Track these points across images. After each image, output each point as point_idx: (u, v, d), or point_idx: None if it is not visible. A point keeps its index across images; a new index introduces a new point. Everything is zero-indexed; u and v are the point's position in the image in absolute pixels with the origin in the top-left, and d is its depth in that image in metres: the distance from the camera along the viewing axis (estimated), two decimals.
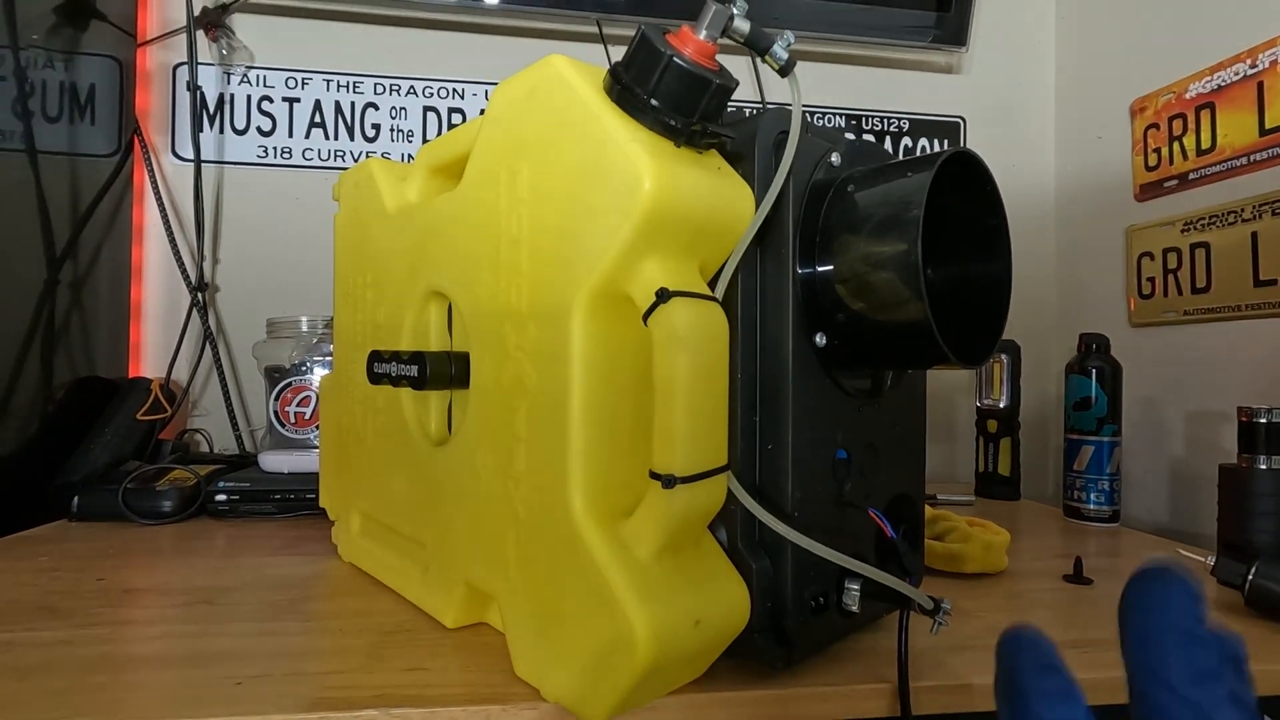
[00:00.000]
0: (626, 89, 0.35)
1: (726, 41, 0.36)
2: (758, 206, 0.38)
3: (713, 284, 0.37)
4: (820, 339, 0.40)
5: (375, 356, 0.50)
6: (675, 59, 0.34)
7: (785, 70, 0.37)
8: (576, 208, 0.37)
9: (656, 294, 0.34)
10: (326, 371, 0.83)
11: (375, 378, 0.49)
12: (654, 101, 0.34)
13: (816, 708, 0.40)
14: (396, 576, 0.54)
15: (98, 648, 0.43)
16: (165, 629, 0.47)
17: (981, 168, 0.40)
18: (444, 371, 0.45)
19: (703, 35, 0.34)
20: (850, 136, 0.44)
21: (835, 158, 0.42)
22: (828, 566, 0.39)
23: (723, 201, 0.37)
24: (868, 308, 0.38)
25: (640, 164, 0.34)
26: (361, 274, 0.59)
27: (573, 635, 0.36)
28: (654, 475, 0.34)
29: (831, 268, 0.39)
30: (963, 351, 0.38)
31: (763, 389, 0.40)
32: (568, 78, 0.37)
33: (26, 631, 0.45)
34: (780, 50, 0.36)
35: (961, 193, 0.40)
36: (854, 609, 0.41)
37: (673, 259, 0.36)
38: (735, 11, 0.35)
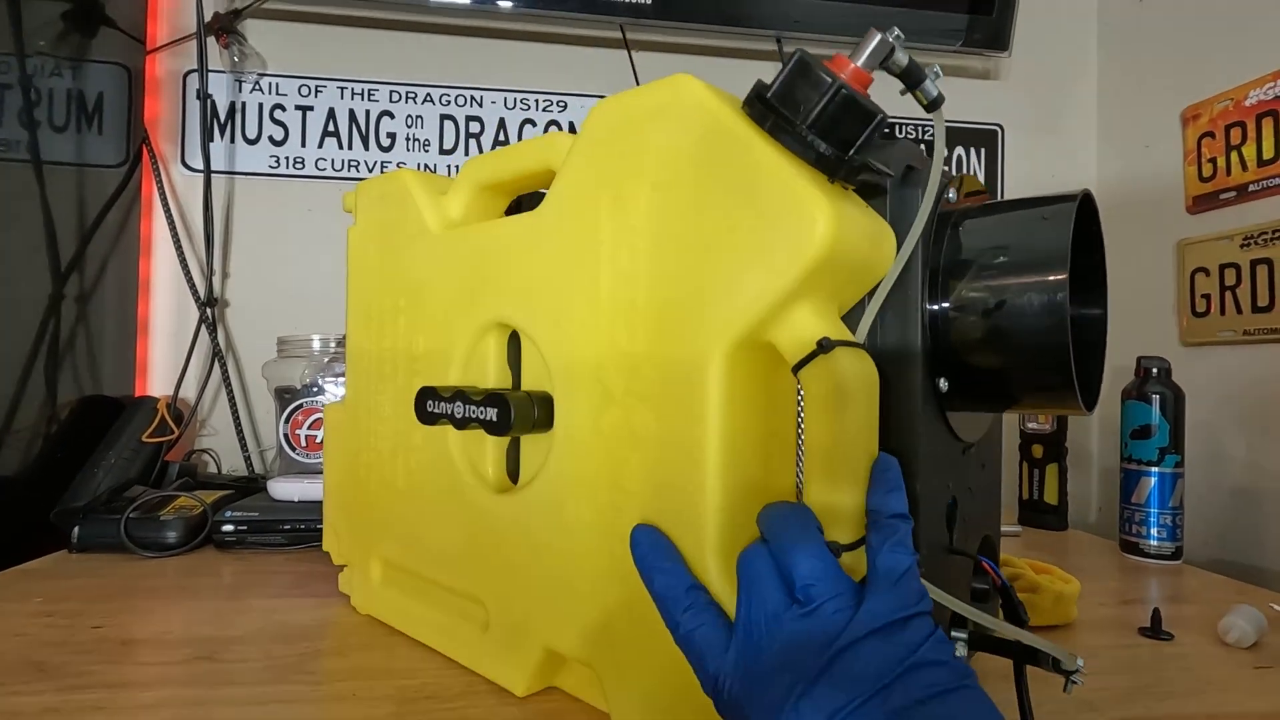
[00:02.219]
0: (781, 117, 0.32)
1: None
2: (898, 244, 0.36)
3: (848, 325, 0.35)
4: (943, 383, 0.39)
5: (429, 394, 0.45)
6: (843, 89, 0.31)
7: (934, 105, 0.35)
8: (718, 245, 0.33)
9: (819, 344, 0.31)
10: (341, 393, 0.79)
11: (430, 418, 0.45)
12: (812, 133, 0.32)
13: None
14: (439, 635, 0.49)
15: (87, 718, 0.39)
16: (162, 693, 0.42)
17: (1093, 209, 0.40)
18: (528, 416, 0.41)
19: (861, 63, 0.32)
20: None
21: (951, 193, 0.41)
22: (943, 618, 0.37)
23: (872, 242, 0.35)
24: (999, 349, 0.38)
25: (813, 204, 0.31)
26: (390, 296, 0.54)
27: (703, 714, 0.32)
28: None
29: (958, 307, 0.38)
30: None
31: (886, 437, 0.37)
32: (706, 101, 0.34)
33: (10, 695, 0.41)
34: (930, 85, 0.35)
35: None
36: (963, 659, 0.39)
37: (824, 303, 0.33)
38: (894, 42, 0.33)
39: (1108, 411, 0.90)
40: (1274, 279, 0.87)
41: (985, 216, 0.40)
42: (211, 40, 0.97)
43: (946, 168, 0.41)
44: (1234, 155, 0.93)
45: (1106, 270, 0.43)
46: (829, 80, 0.31)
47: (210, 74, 0.98)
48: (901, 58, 0.33)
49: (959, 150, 1.15)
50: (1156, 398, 0.78)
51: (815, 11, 1.01)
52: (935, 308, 0.39)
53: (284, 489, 0.77)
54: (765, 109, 0.33)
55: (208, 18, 0.96)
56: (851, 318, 0.36)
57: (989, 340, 0.38)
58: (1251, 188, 0.90)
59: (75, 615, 0.54)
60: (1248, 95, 0.91)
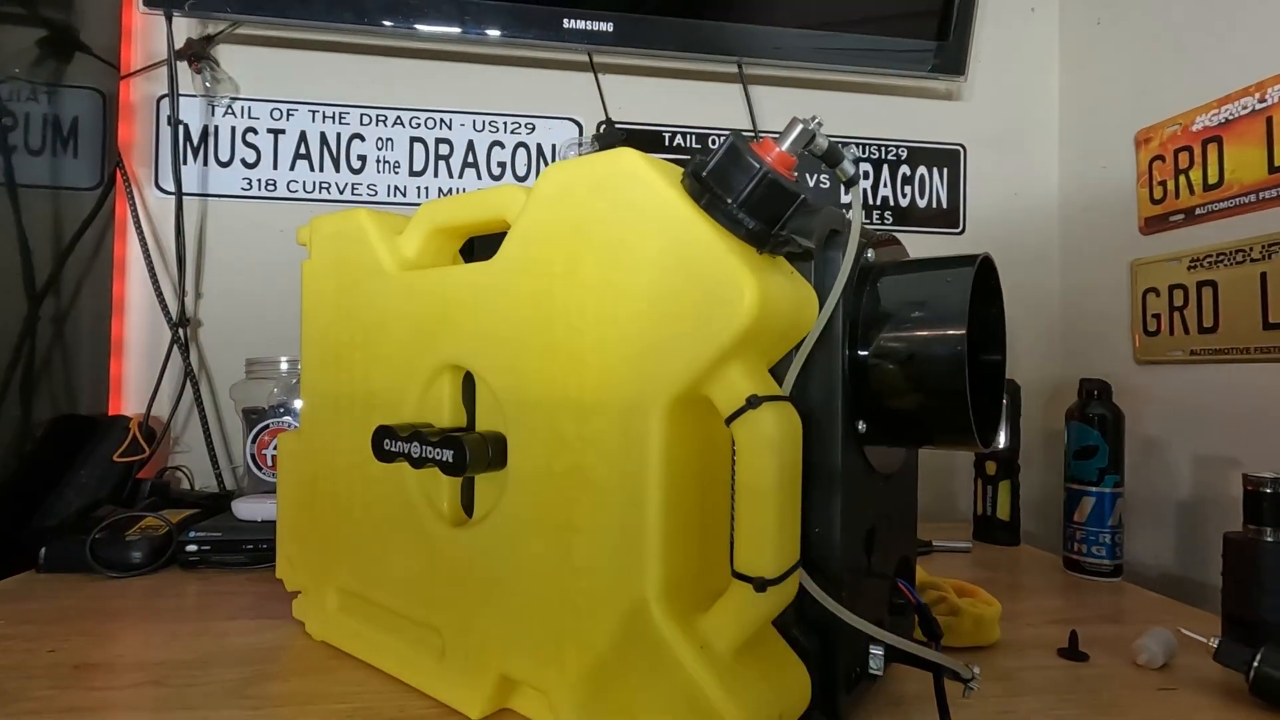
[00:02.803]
0: (716, 196, 0.35)
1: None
2: (821, 305, 0.40)
3: (774, 378, 0.38)
4: (861, 426, 0.43)
5: (386, 433, 0.47)
6: (769, 174, 0.35)
7: (851, 183, 0.39)
8: (660, 309, 0.37)
9: (747, 400, 0.35)
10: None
11: (387, 456, 0.47)
12: (742, 211, 0.35)
13: None
14: (395, 661, 0.51)
15: None
16: (105, 718, 0.44)
17: (992, 267, 0.45)
18: (483, 458, 0.44)
19: (786, 148, 0.36)
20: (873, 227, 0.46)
21: (870, 253, 0.45)
22: (861, 636, 0.40)
23: (797, 306, 0.39)
24: (910, 395, 0.42)
25: (741, 278, 0.34)
26: (346, 333, 0.56)
27: None
28: (742, 577, 0.35)
29: (874, 358, 0.42)
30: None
31: (812, 474, 0.41)
32: (646, 178, 0.37)
33: None
34: (849, 165, 0.38)
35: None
36: (879, 673, 0.44)
37: (753, 362, 0.37)
38: (814, 130, 0.36)
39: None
40: (1218, 301, 0.89)
41: (899, 274, 0.45)
42: (184, 65, 0.99)
43: (865, 224, 0.45)
44: (1182, 179, 0.95)
45: (1004, 322, 0.47)
46: (756, 165, 0.35)
47: (183, 98, 1.00)
48: (822, 142, 0.37)
49: (921, 169, 1.17)
50: (1097, 419, 0.80)
51: (774, 39, 1.03)
52: (856, 355, 0.43)
53: (248, 509, 0.79)
54: (700, 187, 0.36)
55: (180, 44, 0.98)
56: (780, 368, 0.39)
57: (902, 387, 0.42)
58: (1198, 211, 0.93)
59: (33, 640, 0.56)
60: (1195, 121, 0.94)
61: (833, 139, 0.38)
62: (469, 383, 0.49)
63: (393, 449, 0.46)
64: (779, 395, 0.36)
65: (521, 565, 0.42)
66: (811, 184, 1.13)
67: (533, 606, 0.42)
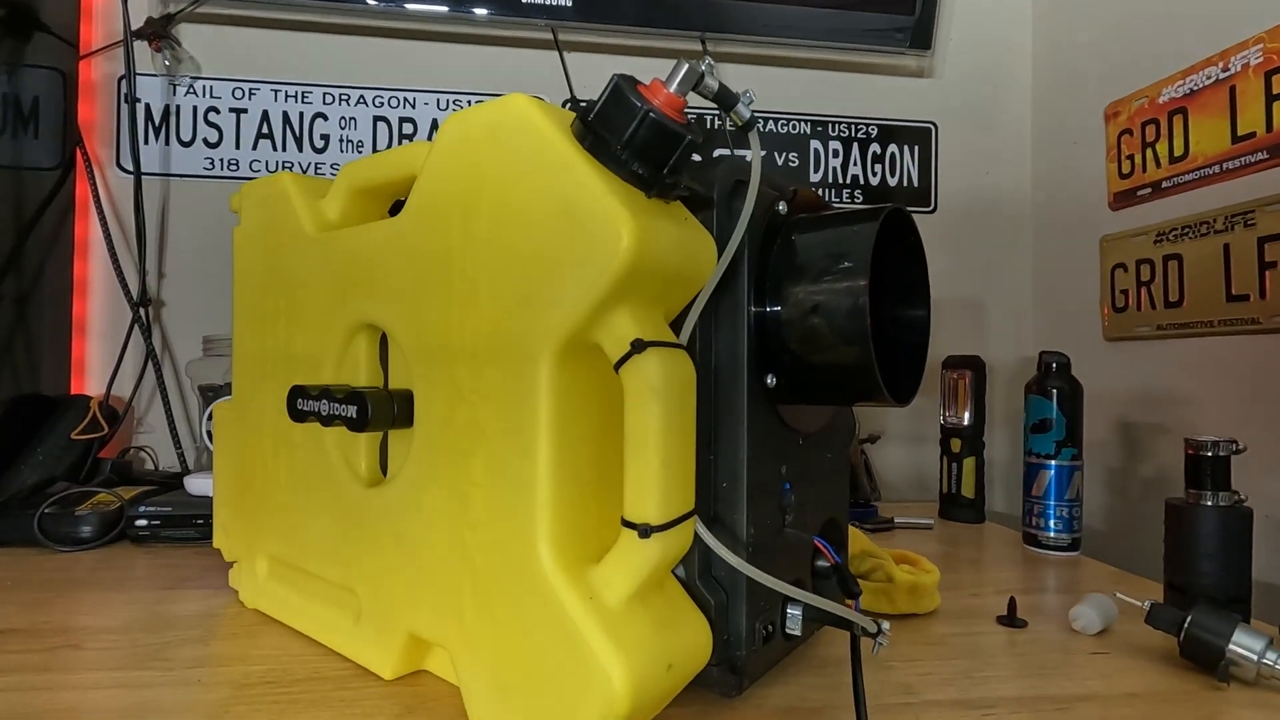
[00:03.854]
0: (600, 139, 0.35)
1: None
2: (719, 254, 0.39)
3: (675, 329, 0.38)
4: (770, 380, 0.42)
5: (299, 392, 0.47)
6: (651, 113, 0.34)
7: (747, 127, 0.38)
8: (545, 255, 0.36)
9: (631, 345, 0.34)
10: None
11: (299, 415, 0.47)
12: (626, 153, 0.34)
13: None
14: (317, 626, 0.51)
15: None
16: (14, 679, 0.44)
17: (910, 222, 0.44)
18: (386, 413, 0.43)
19: (674, 89, 0.35)
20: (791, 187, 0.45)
21: (782, 206, 0.44)
22: (775, 595, 0.41)
23: (689, 252, 0.38)
24: (816, 349, 0.41)
25: (618, 218, 0.33)
26: (271, 298, 0.56)
27: (538, 685, 0.36)
28: (628, 524, 0.35)
29: (782, 311, 0.41)
30: (893, 389, 0.41)
31: (717, 428, 0.41)
32: (535, 121, 0.36)
33: None
34: (743, 109, 0.37)
35: (891, 241, 0.43)
36: (797, 633, 0.44)
37: (642, 308, 0.36)
38: (704, 70, 0.35)
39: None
40: (1184, 274, 0.88)
41: (808, 230, 0.43)
42: (142, 45, 0.98)
43: (772, 182, 0.44)
44: (1149, 152, 0.94)
45: (928, 276, 0.46)
46: (639, 105, 0.34)
47: (144, 78, 1.00)
48: (712, 83, 0.36)
49: (892, 147, 1.16)
50: (1055, 391, 0.79)
51: (738, 13, 1.02)
52: (763, 310, 0.42)
53: (199, 485, 0.79)
54: (586, 130, 0.35)
55: (140, 22, 0.98)
56: (682, 320, 0.39)
57: (809, 340, 0.41)
58: (1165, 184, 0.92)
59: None
60: (1161, 93, 0.92)
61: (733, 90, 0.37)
62: (387, 346, 0.49)
63: (304, 408, 0.46)
64: (670, 342, 0.36)
65: (425, 521, 0.42)
66: (764, 154, 1.12)
67: (435, 562, 0.41)
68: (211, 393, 0.86)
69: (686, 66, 0.35)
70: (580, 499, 0.37)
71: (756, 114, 0.38)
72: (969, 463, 0.95)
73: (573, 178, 0.35)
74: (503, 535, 0.37)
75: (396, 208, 0.54)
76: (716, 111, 1.10)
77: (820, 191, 1.14)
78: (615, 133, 0.34)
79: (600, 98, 0.35)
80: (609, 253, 0.33)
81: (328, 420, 0.45)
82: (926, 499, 1.10)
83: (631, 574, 0.35)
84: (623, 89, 0.34)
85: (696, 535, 0.37)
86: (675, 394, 0.35)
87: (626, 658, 0.33)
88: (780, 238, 0.43)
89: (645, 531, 0.34)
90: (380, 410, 0.42)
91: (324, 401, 0.45)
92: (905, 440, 1.11)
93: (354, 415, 0.42)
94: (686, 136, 0.35)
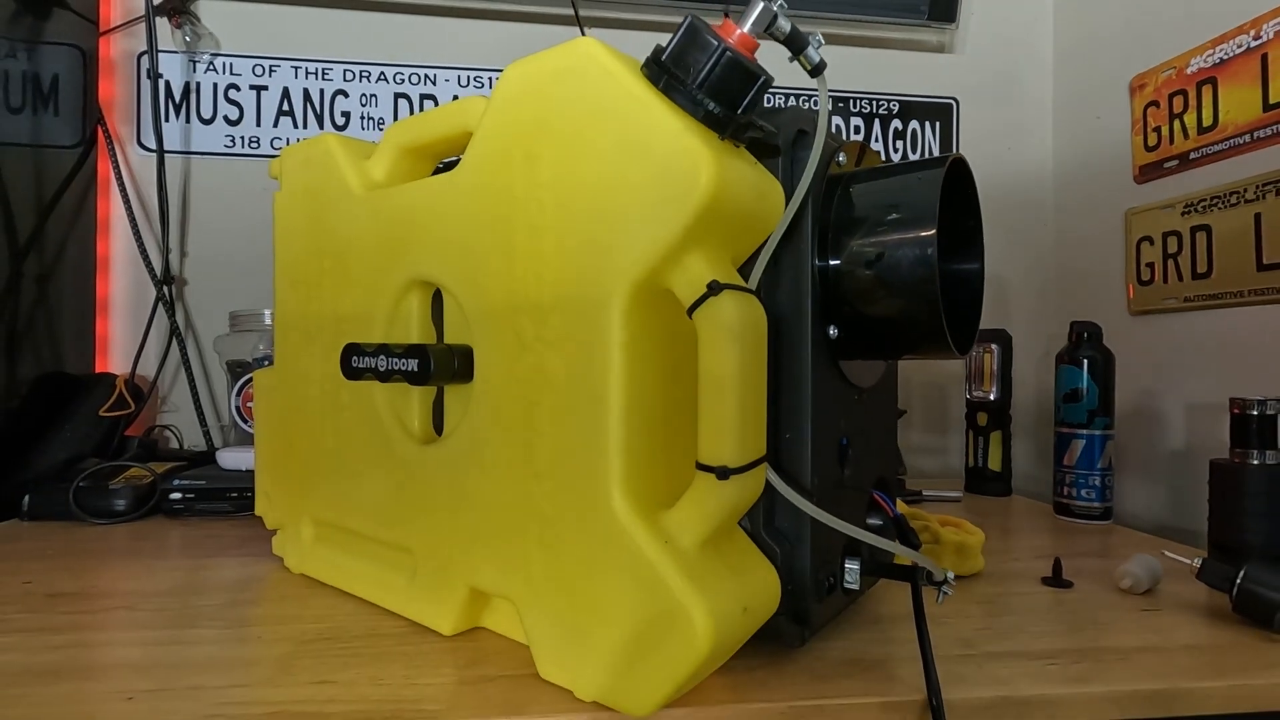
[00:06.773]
0: (674, 78, 0.34)
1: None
2: (787, 201, 0.39)
3: (743, 276, 0.37)
4: (833, 331, 0.42)
5: (354, 349, 0.47)
6: (728, 51, 0.34)
7: (817, 70, 0.37)
8: (616, 197, 0.36)
9: (708, 287, 0.34)
10: None
11: (354, 373, 0.47)
12: (701, 92, 0.34)
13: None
14: (370, 585, 0.51)
15: None
16: (74, 637, 0.44)
17: (968, 173, 0.43)
18: (448, 366, 0.43)
19: (748, 29, 0.34)
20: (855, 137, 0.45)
21: (842, 157, 0.44)
22: (835, 548, 0.43)
23: (759, 195, 0.37)
24: (880, 299, 0.41)
25: (698, 155, 0.33)
26: (316, 260, 0.56)
27: (614, 632, 0.36)
28: (705, 467, 0.34)
29: (844, 261, 0.41)
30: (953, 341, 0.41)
31: (781, 380, 0.41)
32: (605, 63, 0.36)
33: None
34: (813, 52, 0.37)
35: (946, 193, 0.42)
36: (856, 587, 0.44)
37: (715, 252, 0.36)
38: (777, 9, 0.35)
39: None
40: (1212, 245, 0.88)
41: (870, 180, 0.43)
42: (164, 21, 0.98)
43: (836, 131, 0.44)
44: (1176, 124, 0.94)
45: (983, 229, 0.46)
46: (715, 43, 0.34)
47: (164, 54, 0.99)
48: (784, 25, 0.36)
49: (914, 124, 1.16)
50: (1086, 361, 0.79)
51: None
52: (825, 263, 0.42)
53: (232, 458, 0.79)
54: (660, 70, 0.35)
55: None
56: (747, 269, 0.38)
57: (872, 291, 0.41)
58: (1193, 155, 0.91)
59: (8, 574, 0.56)
60: (1189, 63, 0.92)
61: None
62: (439, 303, 0.48)
63: (360, 365, 0.46)
64: (745, 287, 0.36)
65: (486, 475, 0.42)
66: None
67: (498, 515, 0.41)
68: (240, 368, 0.85)
69: (761, 6, 0.34)
70: (649, 445, 0.37)
71: (823, 59, 0.37)
72: (995, 436, 0.94)
73: (648, 117, 0.34)
74: (572, 483, 0.37)
75: (439, 171, 0.54)
76: None
77: None
78: (690, 71, 0.34)
79: (674, 37, 0.35)
80: (687, 189, 0.33)
81: (385, 376, 0.44)
82: (945, 476, 1.10)
83: (708, 517, 0.35)
84: (698, 27, 0.34)
85: (766, 483, 0.37)
86: (750, 337, 0.35)
87: (707, 599, 0.33)
88: (841, 188, 0.43)
89: (724, 474, 0.33)
90: (442, 363, 0.42)
91: (381, 357, 0.45)
92: (920, 414, 1.11)
93: (416, 369, 0.42)
94: (762, 75, 0.35)
